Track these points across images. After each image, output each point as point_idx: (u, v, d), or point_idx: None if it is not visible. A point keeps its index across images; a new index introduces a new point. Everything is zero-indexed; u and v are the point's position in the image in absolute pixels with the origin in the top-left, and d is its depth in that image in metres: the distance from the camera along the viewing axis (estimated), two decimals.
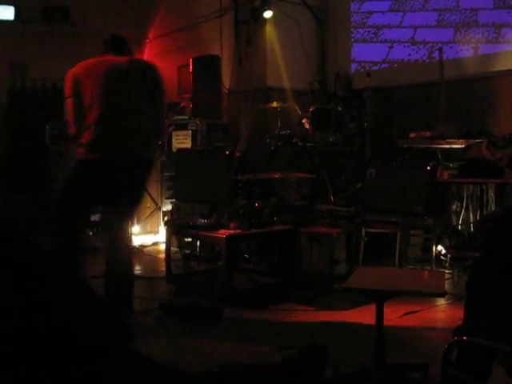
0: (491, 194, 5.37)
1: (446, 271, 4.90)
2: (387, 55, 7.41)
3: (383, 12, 7.49)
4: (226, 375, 1.67)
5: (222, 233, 4.45)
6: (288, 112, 6.96)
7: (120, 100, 3.94)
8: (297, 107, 6.90)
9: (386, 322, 2.74)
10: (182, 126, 7.16)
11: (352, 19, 7.89)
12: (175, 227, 5.02)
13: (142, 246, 6.81)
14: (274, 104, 6.74)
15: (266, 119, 7.28)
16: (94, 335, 1.55)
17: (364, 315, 3.94)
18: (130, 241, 6.88)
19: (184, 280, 5.03)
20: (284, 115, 6.85)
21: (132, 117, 3.93)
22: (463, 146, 5.28)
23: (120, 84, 3.95)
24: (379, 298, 2.71)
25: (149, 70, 4.12)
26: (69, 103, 3.96)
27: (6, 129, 8.45)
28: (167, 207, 6.86)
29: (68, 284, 1.59)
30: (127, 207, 4.01)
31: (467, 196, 5.56)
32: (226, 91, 7.87)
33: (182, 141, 7.09)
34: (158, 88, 4.08)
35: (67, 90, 3.96)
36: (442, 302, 4.33)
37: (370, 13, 7.67)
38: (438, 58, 6.27)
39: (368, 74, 6.61)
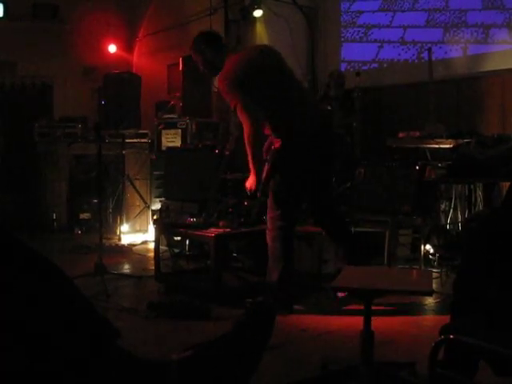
0: (479, 193, 5.40)
1: (434, 270, 4.93)
2: (377, 55, 7.43)
3: (373, 12, 7.50)
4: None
5: (211, 232, 4.45)
6: None
7: None
8: None
9: (373, 321, 2.75)
10: (171, 125, 7.16)
11: (342, 19, 7.90)
12: (164, 226, 5.01)
13: (131, 245, 6.80)
14: None
15: None
16: (77, 335, 1.55)
17: (352, 314, 3.96)
18: (120, 239, 6.94)
19: (173, 279, 5.02)
20: None
21: None
22: (452, 145, 5.31)
23: None
24: (367, 296, 2.72)
25: None
26: None
27: None
28: (156, 206, 6.85)
29: (52, 283, 1.59)
30: None
31: (456, 196, 5.59)
32: (216, 90, 7.86)
33: (171, 139, 7.09)
34: None
35: None
36: (429, 300, 4.35)
37: (360, 12, 7.68)
38: (427, 58, 6.29)
39: (357, 74, 6.62)
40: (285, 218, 4.10)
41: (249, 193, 4.19)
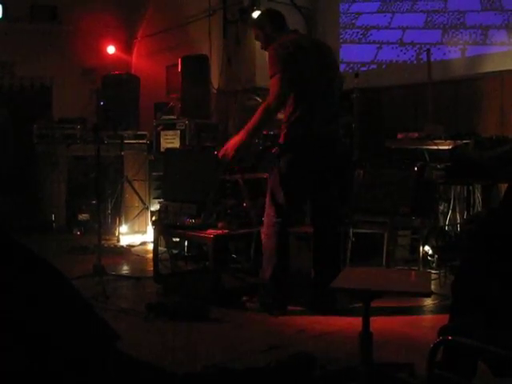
0: (478, 195, 5.40)
1: (433, 271, 4.93)
2: (375, 56, 7.43)
3: (372, 13, 7.51)
4: (207, 378, 1.68)
5: (210, 233, 4.45)
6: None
7: None
8: None
9: (372, 322, 2.75)
10: (170, 126, 7.15)
11: (341, 20, 7.91)
12: (163, 227, 5.01)
13: (130, 246, 6.80)
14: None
15: None
16: (76, 335, 1.55)
17: (351, 315, 3.96)
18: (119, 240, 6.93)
19: (172, 280, 5.02)
20: None
21: None
22: (450, 146, 5.31)
23: None
24: (366, 297, 2.72)
25: None
26: None
27: None
28: (155, 207, 6.85)
29: (51, 284, 1.59)
30: None
31: (454, 197, 5.59)
32: (215, 91, 7.87)
33: (170, 140, 7.08)
34: None
35: None
36: (428, 302, 4.36)
37: (359, 14, 7.69)
38: (425, 59, 6.29)
39: (356, 75, 6.62)
40: (279, 214, 4.11)
41: (226, 154, 4.16)
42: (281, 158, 4.14)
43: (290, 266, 4.22)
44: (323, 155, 4.16)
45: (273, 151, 4.25)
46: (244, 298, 4.32)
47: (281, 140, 4.17)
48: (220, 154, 4.22)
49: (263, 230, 4.18)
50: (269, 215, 4.16)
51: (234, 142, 4.13)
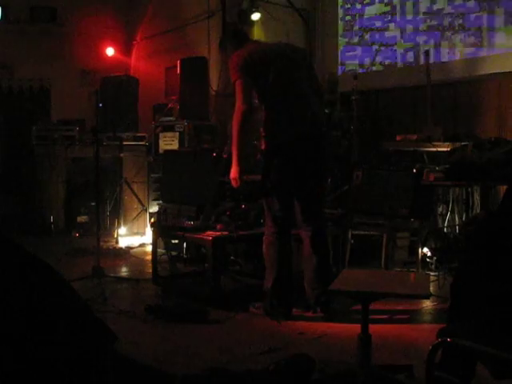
0: (477, 196, 5.41)
1: (432, 273, 4.93)
2: (374, 58, 7.43)
3: (371, 15, 7.51)
4: (206, 380, 1.68)
5: (209, 235, 4.45)
6: None
7: None
8: None
9: (371, 324, 2.75)
10: (169, 128, 7.16)
11: (340, 22, 7.91)
12: (162, 229, 5.01)
13: (129, 248, 6.79)
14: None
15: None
16: (75, 337, 1.55)
17: (350, 317, 3.96)
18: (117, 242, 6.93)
19: (170, 282, 5.02)
20: None
21: None
22: (449, 148, 5.31)
23: None
24: (365, 300, 2.72)
25: None
26: None
27: None
28: (154, 209, 6.85)
29: (50, 285, 1.59)
30: None
31: (453, 199, 5.59)
32: (214, 93, 7.87)
33: (169, 142, 7.09)
34: None
35: None
36: (427, 303, 4.36)
37: (358, 16, 7.69)
38: (424, 61, 6.30)
39: (355, 77, 6.63)
40: (276, 222, 4.08)
41: (233, 185, 4.13)
42: (266, 164, 4.09)
43: (292, 273, 4.18)
44: (305, 156, 4.08)
45: (257, 158, 4.22)
46: (251, 307, 4.27)
47: (262, 147, 4.14)
48: (234, 185, 4.15)
49: (264, 239, 4.16)
50: (267, 224, 4.14)
51: (234, 169, 4.07)
